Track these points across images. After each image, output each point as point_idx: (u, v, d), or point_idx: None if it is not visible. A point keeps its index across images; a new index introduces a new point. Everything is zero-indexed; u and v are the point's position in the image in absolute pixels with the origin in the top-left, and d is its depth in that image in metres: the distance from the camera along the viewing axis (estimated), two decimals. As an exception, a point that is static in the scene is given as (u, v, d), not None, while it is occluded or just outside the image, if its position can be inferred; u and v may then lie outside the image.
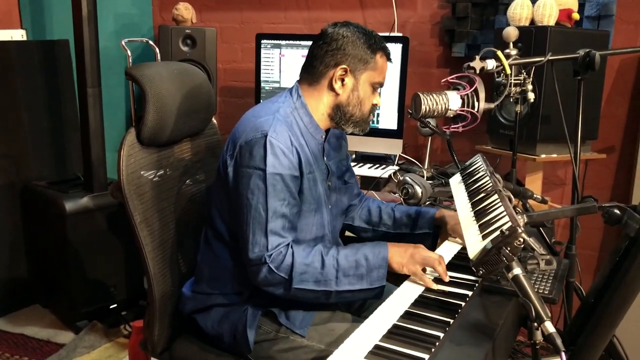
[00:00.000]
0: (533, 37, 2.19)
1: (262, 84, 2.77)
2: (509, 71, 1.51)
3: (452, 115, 1.43)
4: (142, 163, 1.61)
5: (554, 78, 1.67)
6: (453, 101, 1.41)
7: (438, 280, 1.46)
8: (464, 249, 1.68)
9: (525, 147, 2.28)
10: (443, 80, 1.49)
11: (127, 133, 1.58)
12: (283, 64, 2.72)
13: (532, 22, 2.32)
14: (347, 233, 1.96)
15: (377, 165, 2.57)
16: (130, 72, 1.61)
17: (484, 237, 1.17)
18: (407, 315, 1.29)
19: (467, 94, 1.38)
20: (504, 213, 1.20)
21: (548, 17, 2.23)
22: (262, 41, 2.74)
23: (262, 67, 2.76)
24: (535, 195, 1.63)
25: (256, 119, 1.52)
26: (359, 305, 1.72)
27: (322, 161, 1.66)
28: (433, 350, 1.14)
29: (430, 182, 2.49)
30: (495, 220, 1.19)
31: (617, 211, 1.29)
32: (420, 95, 1.37)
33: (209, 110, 1.85)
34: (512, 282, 1.14)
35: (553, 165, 2.67)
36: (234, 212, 1.52)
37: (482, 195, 1.34)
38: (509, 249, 1.10)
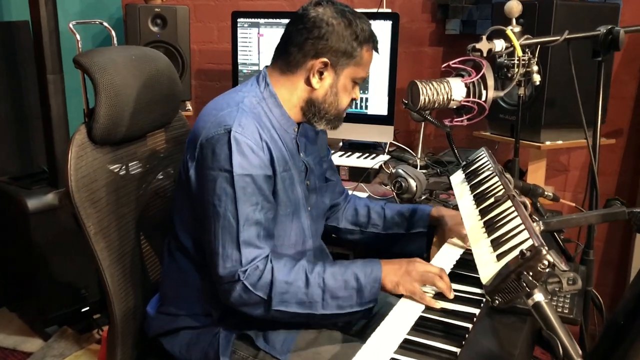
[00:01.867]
0: (537, 11, 1.98)
1: (240, 67, 2.53)
2: (520, 53, 1.29)
3: (455, 107, 1.22)
4: (95, 165, 1.39)
5: (570, 59, 1.46)
6: (456, 90, 1.20)
7: (439, 294, 1.27)
8: (466, 253, 1.49)
9: (528, 133, 2.08)
10: (444, 66, 1.27)
11: (76, 131, 1.36)
12: (262, 44, 2.49)
13: (536, -6, 2.09)
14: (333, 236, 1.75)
15: (367, 155, 2.35)
16: (78, 60, 1.38)
17: (499, 257, 0.97)
18: (406, 346, 1.09)
19: (473, 82, 1.17)
20: (522, 226, 1.00)
21: (554, -11, 2.01)
22: (239, 20, 2.50)
23: (239, 48, 2.52)
24: (546, 193, 1.43)
25: (217, 112, 1.31)
26: (348, 321, 1.53)
27: (299, 157, 1.45)
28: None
29: (424, 171, 2.28)
30: (511, 236, 0.99)
31: (650, 218, 1.09)
32: (418, 83, 1.16)
33: (174, 99, 1.63)
34: (533, 311, 0.94)
35: (556, 151, 2.48)
36: (200, 222, 1.31)
37: (492, 200, 1.14)
38: (531, 273, 0.90)
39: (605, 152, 2.43)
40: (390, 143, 2.47)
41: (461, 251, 1.50)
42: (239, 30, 2.50)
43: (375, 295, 1.28)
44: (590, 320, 1.61)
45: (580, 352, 0.89)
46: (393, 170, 1.94)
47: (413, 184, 1.89)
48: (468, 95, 1.20)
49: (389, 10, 2.51)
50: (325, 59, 1.34)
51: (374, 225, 1.67)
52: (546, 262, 0.89)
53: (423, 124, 2.43)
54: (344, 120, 1.47)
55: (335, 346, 1.33)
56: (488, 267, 0.97)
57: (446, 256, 1.47)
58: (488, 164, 1.31)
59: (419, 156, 2.42)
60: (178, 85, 1.64)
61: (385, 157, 2.35)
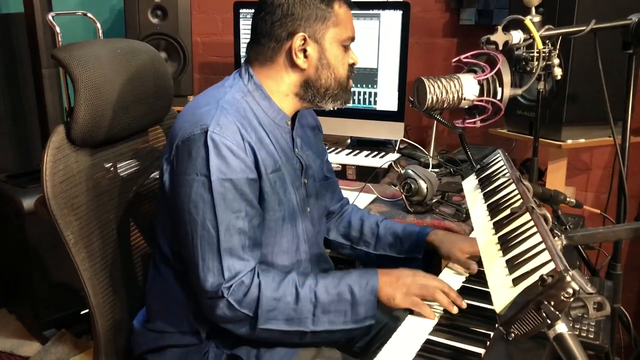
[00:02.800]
0: (558, 0, 1.83)
1: (242, 59, 2.41)
2: (540, 46, 1.16)
3: (467, 106, 1.09)
4: (75, 168, 1.28)
5: (597, 51, 1.32)
6: (468, 88, 1.07)
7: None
8: (468, 280, 1.35)
9: (548, 130, 1.93)
10: (454, 60, 1.14)
11: (53, 132, 1.25)
12: (266, 36, 2.36)
13: (557, -19, 1.94)
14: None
15: (376, 153, 2.22)
16: (55, 55, 1.27)
17: (516, 281, 0.84)
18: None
19: (487, 78, 1.04)
20: (542, 245, 0.87)
21: (576, -25, 1.86)
22: (241, 10, 2.37)
23: (241, 39, 2.40)
24: (568, 199, 1.29)
25: (195, 110, 1.20)
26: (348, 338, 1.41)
27: (293, 154, 1.33)
28: None
29: (437, 170, 2.15)
30: (530, 256, 0.86)
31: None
32: (425, 81, 1.03)
33: (165, 95, 1.51)
34: (555, 344, 0.82)
35: (577, 150, 2.32)
36: (178, 231, 1.20)
37: (508, 212, 1.01)
38: (552, 303, 0.77)
39: (633, 150, 2.27)
40: (401, 140, 2.34)
41: (463, 278, 1.37)
42: (242, 22, 2.38)
43: (372, 310, 1.17)
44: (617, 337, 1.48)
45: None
46: (402, 171, 1.81)
47: (423, 185, 1.77)
48: (481, 93, 1.07)
49: None
50: (301, 34, 1.23)
51: (365, 243, 1.53)
52: (571, 291, 0.76)
53: (435, 121, 2.29)
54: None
55: (337, 365, 1.22)
56: (502, 292, 0.84)
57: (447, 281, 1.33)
58: (504, 169, 1.18)
59: (431, 154, 2.29)
60: (169, 81, 1.52)
61: (395, 155, 2.22)
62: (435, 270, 1.38)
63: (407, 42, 2.15)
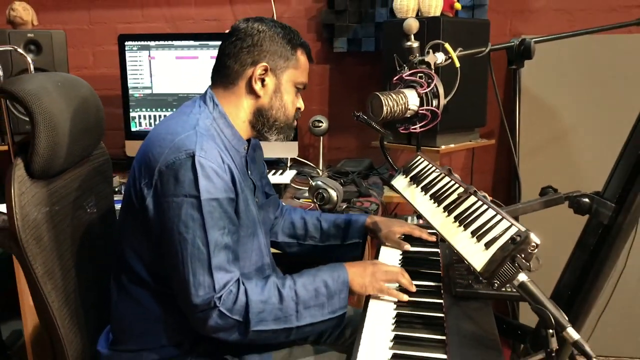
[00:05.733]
0: (425, 28, 2.16)
1: (131, 91, 2.44)
2: (457, 64, 1.43)
3: (409, 115, 1.31)
4: (34, 201, 1.28)
5: (490, 68, 1.64)
6: (412, 100, 1.30)
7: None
8: (403, 254, 1.59)
9: (426, 139, 2.26)
10: (395, 78, 1.36)
11: (14, 166, 1.24)
12: (154, 67, 2.42)
13: (418, 13, 2.30)
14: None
15: (274, 171, 2.39)
16: (7, 89, 1.26)
17: (487, 245, 1.07)
18: (398, 341, 1.15)
19: (426, 92, 1.27)
20: (498, 216, 1.11)
21: (434, 7, 2.23)
22: (127, 43, 2.41)
23: (128, 72, 2.43)
24: (478, 193, 1.58)
25: (174, 136, 1.27)
26: (318, 334, 1.55)
27: (248, 176, 1.46)
28: (450, 378, 1.02)
29: (329, 182, 2.38)
30: (492, 225, 1.10)
31: (586, 200, 1.27)
32: (380, 96, 1.23)
33: (102, 125, 1.55)
34: (520, 290, 1.06)
35: (447, 154, 2.70)
36: (163, 251, 1.26)
37: (455, 197, 1.25)
38: (523, 255, 1.02)
39: (481, 153, 2.71)
40: (291, 158, 2.53)
41: (398, 253, 1.60)
42: (128, 54, 2.41)
43: (345, 300, 1.32)
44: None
45: (567, 318, 1.02)
46: (313, 183, 2.00)
47: (334, 194, 1.97)
48: (422, 104, 1.30)
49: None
50: (264, 64, 1.36)
51: (311, 238, 1.71)
52: (534, 245, 1.01)
53: (321, 138, 2.52)
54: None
55: (310, 357, 1.36)
56: (478, 255, 1.07)
57: (387, 260, 1.55)
58: (431, 167, 1.43)
59: (321, 168, 2.51)
60: (101, 111, 1.56)
61: (293, 172, 2.41)
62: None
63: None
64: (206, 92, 1.41)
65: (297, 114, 1.49)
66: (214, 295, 1.21)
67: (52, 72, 1.52)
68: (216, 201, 1.24)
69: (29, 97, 1.25)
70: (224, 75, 1.39)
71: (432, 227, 1.29)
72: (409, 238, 1.63)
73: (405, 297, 1.31)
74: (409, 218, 2.30)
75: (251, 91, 1.38)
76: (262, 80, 1.38)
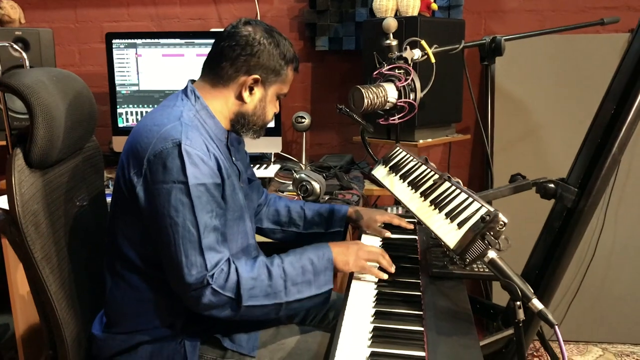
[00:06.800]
0: (404, 27, 2.26)
1: (118, 88, 2.50)
2: (433, 59, 1.52)
3: (388, 108, 1.40)
4: (32, 190, 1.35)
5: (464, 64, 1.73)
6: (391, 93, 1.39)
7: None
8: (383, 240, 1.68)
9: (404, 134, 2.36)
10: (375, 73, 1.45)
11: (13, 156, 1.31)
12: (141, 64, 2.48)
13: (396, 13, 2.39)
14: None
15: (259, 165, 2.47)
16: (6, 83, 1.32)
17: (460, 225, 1.16)
18: (379, 316, 1.24)
19: (404, 85, 1.36)
20: (470, 199, 1.21)
21: (412, 7, 2.32)
22: (114, 41, 2.47)
23: (116, 69, 2.49)
24: (452, 179, 1.67)
25: (160, 127, 1.34)
26: (303, 315, 1.64)
27: (232, 163, 1.54)
28: (426, 346, 1.11)
29: (312, 176, 2.46)
30: (464, 207, 1.19)
31: (551, 185, 1.37)
32: (362, 89, 1.32)
33: (94, 118, 1.62)
34: (490, 266, 1.15)
35: (425, 148, 2.80)
36: (154, 236, 1.33)
37: (431, 183, 1.34)
38: (492, 233, 1.11)
39: (458, 147, 2.82)
40: (275, 153, 2.61)
41: (378, 240, 1.69)
42: (115, 52, 2.47)
43: (330, 277, 1.41)
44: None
45: (532, 291, 1.12)
46: (297, 176, 2.08)
47: (317, 186, 2.06)
48: (400, 96, 1.39)
49: (261, 29, 2.65)
50: (256, 76, 1.44)
51: (295, 225, 1.79)
52: (502, 223, 1.11)
53: (304, 134, 2.61)
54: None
55: (296, 336, 1.44)
56: (452, 234, 1.17)
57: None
58: (409, 157, 1.52)
59: (304, 163, 2.59)
60: (94, 104, 1.63)
61: (277, 166, 2.49)
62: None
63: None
64: (187, 86, 1.48)
65: (272, 118, 1.58)
66: (206, 273, 1.28)
67: (45, 67, 1.58)
68: (203, 186, 1.32)
69: (28, 90, 1.32)
70: (216, 73, 1.46)
71: (410, 212, 1.38)
72: (389, 227, 1.72)
73: (385, 276, 1.40)
74: (389, 209, 2.39)
75: (239, 97, 1.46)
76: (251, 89, 1.46)
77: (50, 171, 1.44)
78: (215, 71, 1.46)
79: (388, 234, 1.66)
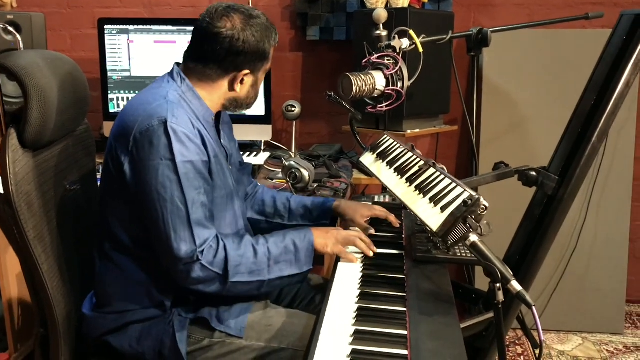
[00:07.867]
0: (394, 18, 2.29)
1: (110, 74, 2.51)
2: (421, 49, 1.56)
3: (376, 95, 1.43)
4: (26, 169, 1.37)
5: (451, 55, 1.77)
6: (379, 81, 1.42)
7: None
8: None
9: (393, 124, 2.39)
10: (364, 60, 1.48)
11: (7, 136, 1.33)
12: (132, 50, 2.50)
13: (387, 4, 2.42)
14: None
15: (248, 153, 2.50)
16: (2, 64, 1.34)
17: (443, 209, 1.20)
18: (364, 297, 1.28)
19: (392, 73, 1.40)
20: (453, 184, 1.24)
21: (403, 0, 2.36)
22: (106, 26, 2.48)
23: (107, 55, 2.50)
24: (436, 165, 1.71)
25: (146, 106, 1.37)
26: (291, 299, 1.68)
27: (220, 144, 1.56)
28: (408, 325, 1.15)
29: (302, 164, 2.49)
30: (447, 192, 1.23)
31: (533, 173, 1.42)
32: (350, 76, 1.35)
33: (87, 100, 1.64)
34: (471, 249, 1.19)
35: (413, 139, 2.83)
36: (143, 213, 1.36)
37: (416, 169, 1.38)
38: (473, 216, 1.15)
39: (445, 139, 2.86)
40: (265, 141, 2.64)
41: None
42: (107, 37, 2.49)
43: (310, 257, 1.45)
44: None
45: (512, 273, 1.16)
46: (287, 163, 2.11)
47: (306, 173, 2.09)
48: (388, 84, 1.43)
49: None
50: (246, 70, 1.46)
51: (279, 216, 1.80)
52: (483, 207, 1.15)
53: (294, 122, 2.64)
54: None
55: (283, 318, 1.47)
56: (435, 217, 1.20)
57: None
58: (397, 144, 1.55)
59: (293, 152, 2.62)
60: (87, 87, 1.65)
61: (266, 154, 2.52)
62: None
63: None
64: (173, 68, 1.50)
65: None
66: (195, 249, 1.32)
67: (39, 50, 1.60)
68: (190, 163, 1.34)
69: (23, 71, 1.34)
70: (202, 73, 1.46)
71: (395, 197, 1.42)
72: (378, 221, 1.72)
73: (355, 260, 1.45)
74: (376, 197, 2.43)
75: (231, 89, 1.48)
76: (242, 80, 1.48)
77: (43, 152, 1.46)
78: (200, 71, 1.46)
79: (372, 231, 1.67)
